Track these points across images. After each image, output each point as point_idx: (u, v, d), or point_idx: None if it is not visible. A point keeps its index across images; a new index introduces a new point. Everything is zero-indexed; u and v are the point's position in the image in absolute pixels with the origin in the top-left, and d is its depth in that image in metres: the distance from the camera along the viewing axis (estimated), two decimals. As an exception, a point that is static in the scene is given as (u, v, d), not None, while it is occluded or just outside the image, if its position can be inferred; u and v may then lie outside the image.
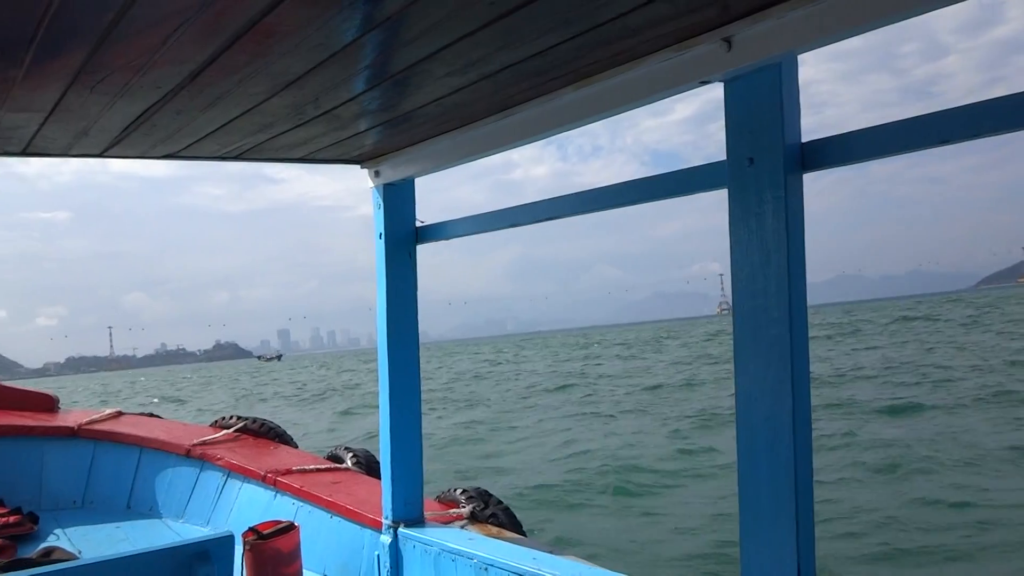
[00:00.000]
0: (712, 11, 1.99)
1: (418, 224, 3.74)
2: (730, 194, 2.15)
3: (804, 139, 2.05)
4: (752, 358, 2.09)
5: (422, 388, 3.79)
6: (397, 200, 3.68)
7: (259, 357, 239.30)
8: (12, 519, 5.26)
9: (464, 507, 4.24)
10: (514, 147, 2.97)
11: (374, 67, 2.33)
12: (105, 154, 3.19)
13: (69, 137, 2.92)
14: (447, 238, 3.63)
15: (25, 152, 3.08)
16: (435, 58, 2.26)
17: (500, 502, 4.32)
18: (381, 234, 3.69)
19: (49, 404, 6.64)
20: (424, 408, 3.82)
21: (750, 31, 2.00)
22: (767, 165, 2.04)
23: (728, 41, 2.05)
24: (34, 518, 5.37)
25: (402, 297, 3.72)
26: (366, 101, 2.67)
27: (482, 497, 4.31)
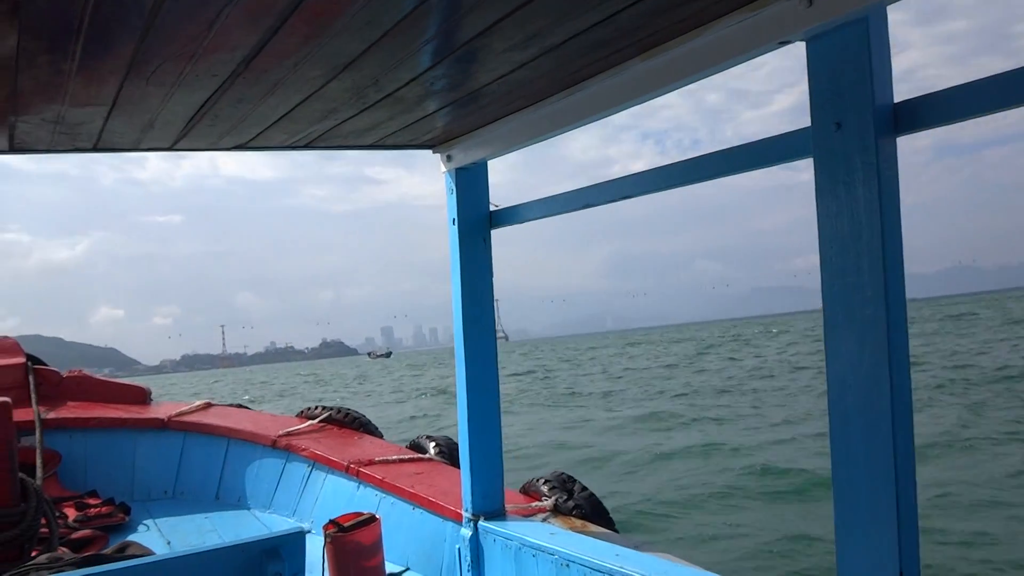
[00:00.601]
0: None
1: (492, 208, 3.64)
2: (816, 162, 1.97)
3: (897, 99, 1.86)
4: (844, 341, 1.90)
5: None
6: (470, 184, 3.59)
7: (368, 354, 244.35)
8: (104, 510, 5.35)
9: (547, 499, 4.07)
10: (586, 123, 2.83)
11: (431, 44, 2.24)
12: (176, 147, 3.21)
13: (136, 131, 2.94)
14: (521, 222, 3.52)
15: (97, 147, 3.12)
16: (493, 32, 2.15)
17: (585, 489, 4.14)
18: (454, 220, 3.60)
19: (141, 396, 6.77)
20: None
21: None
22: (856, 129, 1.86)
23: None
24: (126, 509, 5.44)
25: (477, 283, 3.62)
26: (428, 81, 2.58)
27: (564, 486, 4.14)
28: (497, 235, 3.63)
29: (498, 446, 3.66)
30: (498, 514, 3.67)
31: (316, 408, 6.22)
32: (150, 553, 3.76)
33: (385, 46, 2.20)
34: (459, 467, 4.92)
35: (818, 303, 1.96)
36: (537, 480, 4.26)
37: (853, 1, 1.78)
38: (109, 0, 1.80)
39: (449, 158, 3.56)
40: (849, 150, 1.87)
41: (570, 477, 4.23)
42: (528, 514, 3.92)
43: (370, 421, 6.07)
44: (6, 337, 6.59)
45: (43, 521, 4.46)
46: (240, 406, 7.12)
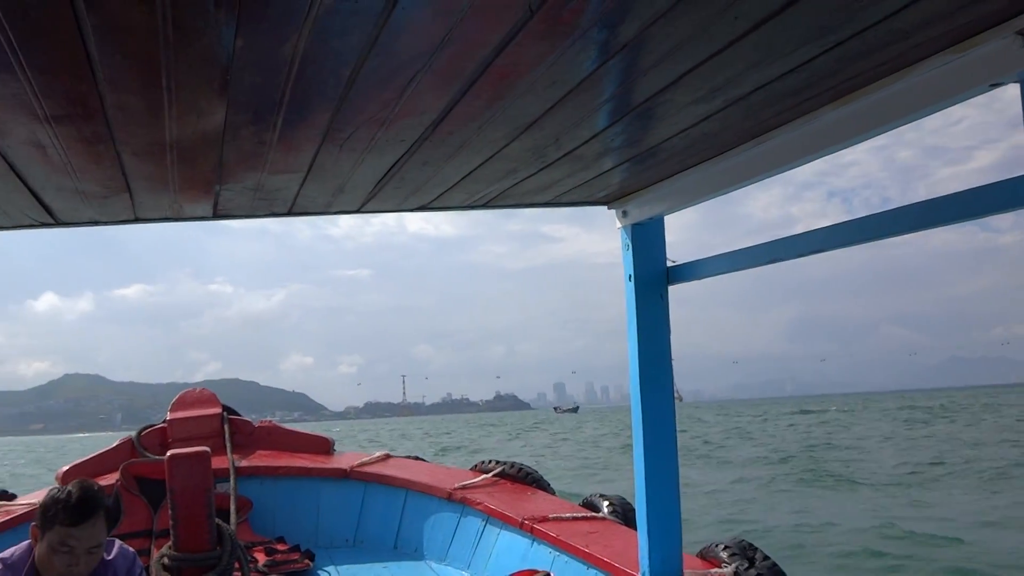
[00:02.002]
0: (1002, 1, 1.66)
1: (669, 264, 3.54)
2: None
3: None
4: None
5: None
6: (646, 240, 3.52)
7: (555, 408, 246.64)
8: (291, 555, 5.56)
9: (727, 565, 3.90)
10: (770, 176, 2.71)
11: (613, 101, 2.23)
12: (363, 209, 3.32)
13: (328, 195, 3.07)
14: (700, 277, 3.41)
15: (291, 212, 3.27)
16: (678, 85, 2.10)
17: (767, 558, 3.93)
18: (631, 276, 3.52)
19: (325, 447, 7.00)
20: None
21: None
22: None
23: None
24: (310, 555, 5.63)
25: (654, 341, 3.51)
26: (608, 138, 2.56)
27: (746, 553, 3.95)
28: (670, 292, 3.52)
29: (676, 508, 3.52)
30: None
31: (490, 462, 6.25)
32: None
33: (567, 105, 2.21)
34: (633, 528, 4.80)
35: (1024, 376, 1.80)
36: (716, 545, 4.09)
37: None
38: (310, 73, 1.88)
39: (625, 214, 3.50)
40: None
41: (751, 545, 4.03)
42: None
43: (542, 477, 6.04)
44: (204, 389, 7.01)
45: (236, 565, 4.68)
46: (417, 458, 7.26)
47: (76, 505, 2.98)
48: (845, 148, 2.37)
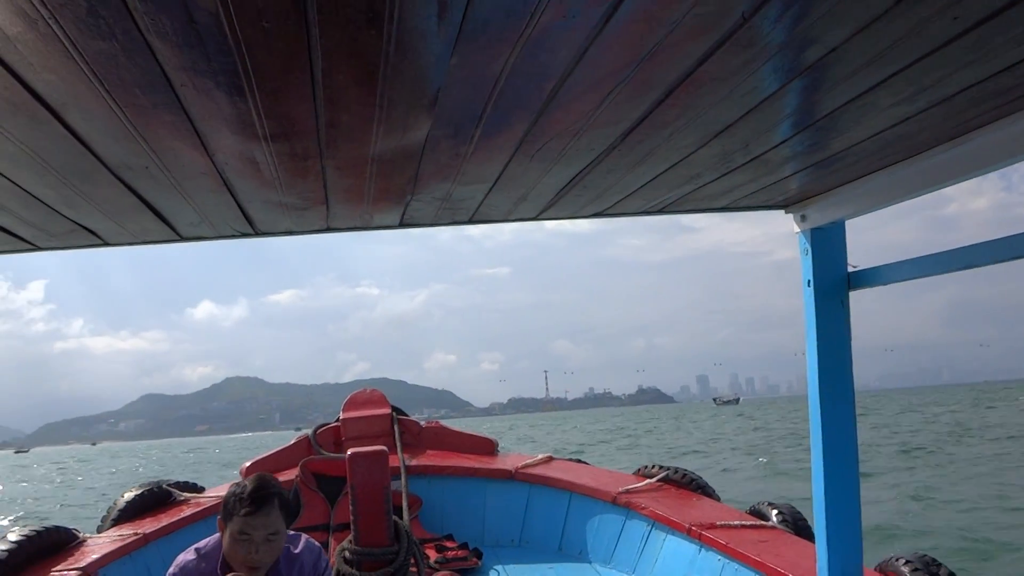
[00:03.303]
0: None
1: (850, 269, 3.40)
2: None
3: None
4: None
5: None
6: (826, 244, 3.38)
7: (715, 400, 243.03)
8: (460, 553, 5.74)
9: (909, 581, 3.79)
10: (966, 179, 2.55)
11: (810, 105, 2.16)
12: (539, 217, 3.34)
13: (509, 204, 3.10)
14: (885, 283, 3.25)
15: (472, 220, 3.33)
16: (880, 88, 2.01)
17: (952, 574, 3.79)
18: (809, 281, 3.40)
19: (490, 448, 7.13)
20: None
21: None
22: None
23: None
24: (479, 554, 5.79)
25: (834, 348, 3.38)
26: (797, 142, 2.48)
27: (929, 569, 3.82)
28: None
29: (857, 520, 3.40)
30: None
31: (653, 467, 6.24)
32: None
33: (763, 110, 2.15)
34: (803, 538, 4.73)
35: None
36: (896, 559, 3.97)
37: None
38: (514, 87, 1.90)
39: (804, 218, 3.38)
40: None
41: (935, 560, 3.90)
42: None
43: (708, 483, 5.99)
44: (375, 390, 7.28)
45: (411, 560, 4.89)
46: (579, 461, 7.32)
47: (251, 496, 3.23)
48: None
